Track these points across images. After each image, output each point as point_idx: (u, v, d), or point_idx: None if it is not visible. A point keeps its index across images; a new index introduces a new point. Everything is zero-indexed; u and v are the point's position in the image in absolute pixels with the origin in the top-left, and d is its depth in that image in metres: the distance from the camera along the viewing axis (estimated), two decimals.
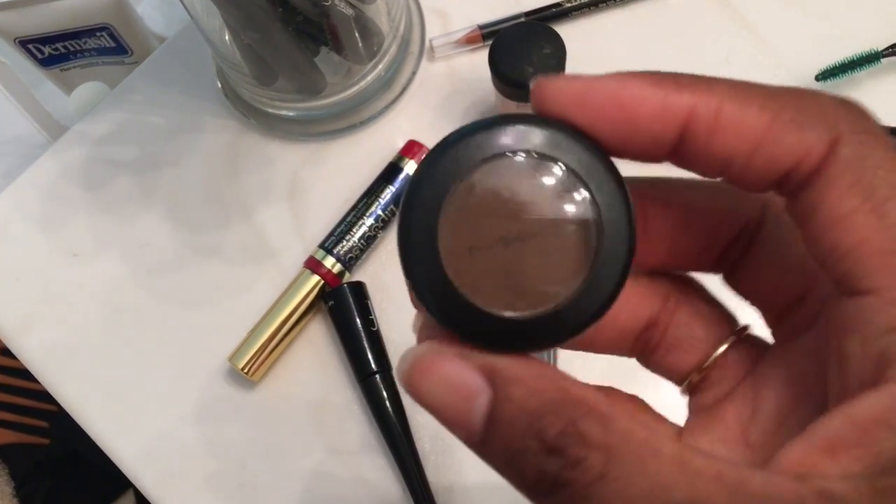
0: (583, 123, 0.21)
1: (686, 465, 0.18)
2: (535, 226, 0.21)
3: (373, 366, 0.48)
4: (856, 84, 0.52)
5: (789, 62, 0.53)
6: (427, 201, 0.21)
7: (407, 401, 0.48)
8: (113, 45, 0.64)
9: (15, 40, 0.61)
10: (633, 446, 0.18)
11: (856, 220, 0.19)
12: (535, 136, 0.21)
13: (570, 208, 0.21)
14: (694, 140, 0.21)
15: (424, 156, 0.22)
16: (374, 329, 0.49)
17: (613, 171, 0.21)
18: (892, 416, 0.18)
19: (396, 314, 0.50)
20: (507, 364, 0.20)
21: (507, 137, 0.21)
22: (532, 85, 0.22)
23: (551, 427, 0.19)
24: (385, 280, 0.51)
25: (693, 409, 0.25)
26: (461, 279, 0.21)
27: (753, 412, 0.23)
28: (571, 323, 0.21)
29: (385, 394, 0.48)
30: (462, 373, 0.20)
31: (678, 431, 0.19)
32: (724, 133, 0.20)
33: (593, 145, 0.21)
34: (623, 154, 0.21)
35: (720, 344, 0.25)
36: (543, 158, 0.21)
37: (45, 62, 0.65)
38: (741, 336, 0.25)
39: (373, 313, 0.49)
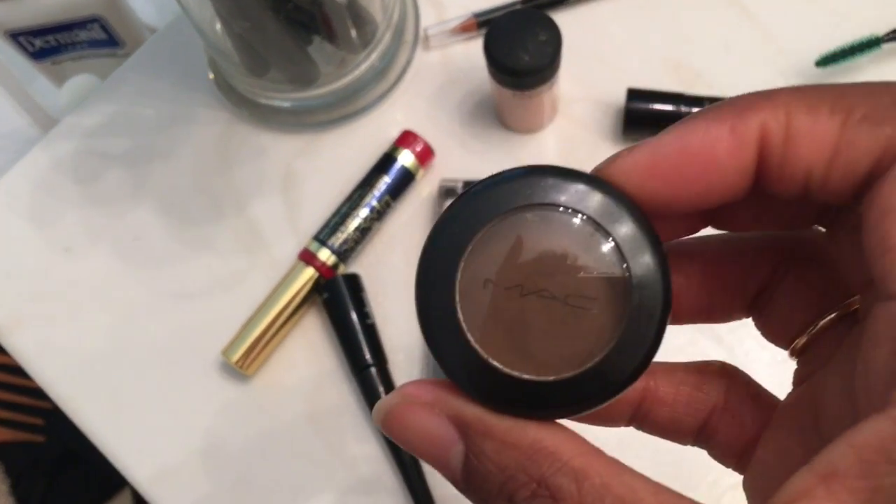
0: (662, 193, 0.20)
1: None
2: (564, 287, 0.20)
3: (368, 358, 0.47)
4: (857, 70, 0.51)
5: (789, 48, 0.52)
6: (454, 239, 0.20)
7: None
8: (104, 37, 0.63)
9: (5, 33, 0.60)
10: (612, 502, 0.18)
11: None
12: (581, 196, 0.20)
13: (606, 272, 0.20)
14: (770, 161, 0.20)
15: (466, 190, 0.20)
16: (370, 321, 0.48)
17: (659, 248, 0.20)
18: (892, 448, 0.17)
19: (392, 306, 0.49)
20: (480, 415, 0.19)
21: (553, 190, 0.20)
22: (597, 167, 0.21)
23: (522, 488, 0.18)
24: (380, 272, 0.50)
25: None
26: (471, 322, 0.20)
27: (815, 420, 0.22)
28: (582, 394, 0.20)
29: (381, 386, 0.47)
30: (434, 425, 0.20)
31: (657, 490, 0.18)
32: (798, 146, 0.19)
33: (642, 216, 0.20)
34: (707, 202, 0.20)
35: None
36: (586, 221, 0.20)
37: (37, 55, 0.64)
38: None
39: (368, 305, 0.49)
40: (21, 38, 0.62)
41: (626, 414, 0.25)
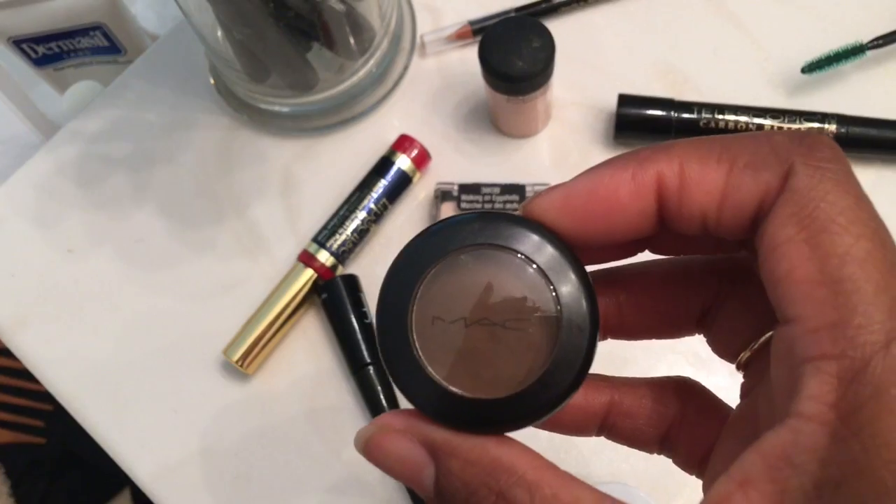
0: (576, 228, 0.23)
1: None
2: (502, 314, 0.23)
3: (366, 357, 0.48)
4: (842, 76, 0.53)
5: (776, 55, 0.54)
6: (402, 286, 0.23)
7: (400, 393, 0.48)
8: (106, 44, 0.64)
9: (8, 40, 0.61)
10: None
11: (789, 248, 0.20)
12: (509, 233, 0.23)
13: (537, 302, 0.23)
14: (668, 204, 0.22)
15: (411, 240, 0.24)
16: (368, 321, 0.49)
17: (581, 272, 0.23)
18: (793, 453, 0.19)
19: None
20: (446, 438, 0.22)
21: (482, 232, 0.23)
22: (522, 204, 0.24)
23: (484, 500, 0.21)
24: (378, 273, 0.51)
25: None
26: (428, 356, 0.23)
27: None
28: (529, 407, 0.23)
29: (379, 385, 0.48)
30: (408, 449, 0.22)
31: (601, 498, 0.21)
32: (691, 191, 0.22)
33: (564, 246, 0.23)
34: (618, 237, 0.23)
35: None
36: (514, 254, 0.23)
37: (39, 62, 0.65)
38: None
39: (366, 305, 0.50)
40: (24, 45, 0.63)
41: (595, 425, 0.27)
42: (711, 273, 0.26)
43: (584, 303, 0.23)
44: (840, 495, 0.18)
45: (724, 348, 0.26)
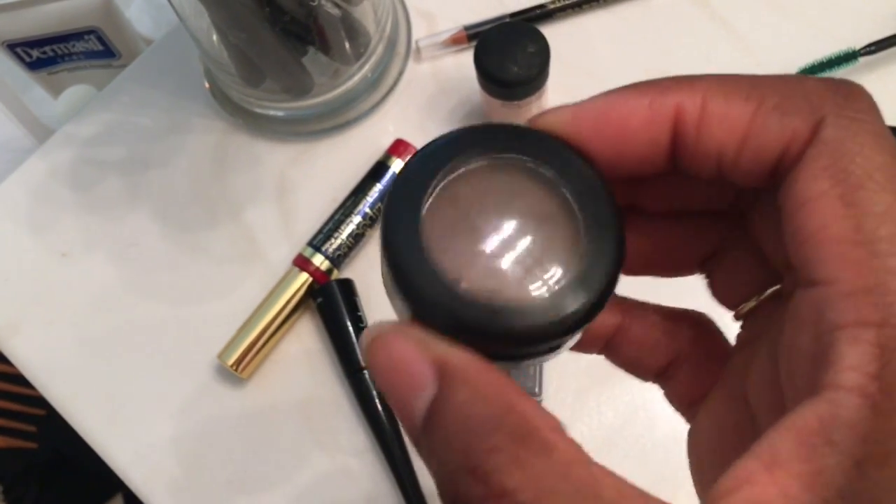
0: (582, 146, 0.21)
1: None
2: (525, 212, 0.21)
3: (362, 362, 0.48)
4: None
5: (768, 61, 0.54)
6: (415, 185, 0.20)
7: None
8: (101, 48, 0.64)
9: (3, 44, 0.61)
10: (572, 485, 0.17)
11: (821, 204, 0.18)
12: (526, 143, 0.21)
13: (560, 209, 0.21)
14: (684, 139, 0.21)
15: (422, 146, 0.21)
16: (363, 325, 0.49)
17: (601, 177, 0.21)
18: (831, 428, 0.17)
19: (385, 310, 0.50)
20: (462, 360, 0.18)
21: (493, 141, 0.21)
22: (528, 121, 0.22)
23: (485, 443, 0.17)
24: (373, 277, 0.51)
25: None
26: (442, 260, 0.20)
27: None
28: (552, 324, 0.20)
29: (374, 390, 0.48)
30: (413, 361, 0.19)
31: (620, 485, 0.18)
32: (710, 127, 0.20)
33: (582, 157, 0.21)
34: (624, 168, 0.22)
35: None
36: (532, 162, 0.21)
37: (33, 66, 0.65)
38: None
39: (361, 310, 0.50)
40: (18, 49, 0.63)
41: (599, 344, 0.26)
42: (717, 216, 0.25)
43: (608, 208, 0.21)
44: (885, 473, 0.17)
45: (724, 295, 0.25)
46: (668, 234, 0.25)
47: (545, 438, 0.17)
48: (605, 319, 0.25)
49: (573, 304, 0.20)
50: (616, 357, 0.26)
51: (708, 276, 0.25)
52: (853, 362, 0.17)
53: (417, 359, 0.18)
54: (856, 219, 0.18)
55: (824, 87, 0.20)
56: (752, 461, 0.17)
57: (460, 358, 0.18)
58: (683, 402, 0.25)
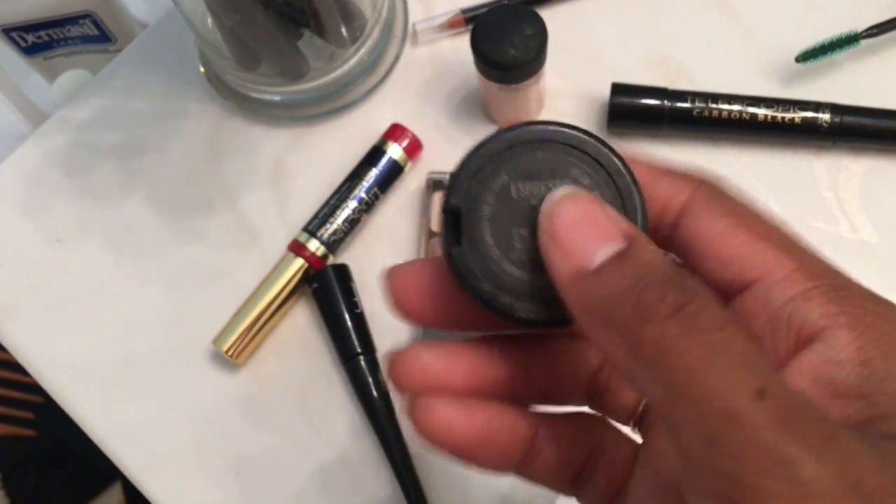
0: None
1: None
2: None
3: (357, 348, 0.48)
4: (835, 66, 0.52)
5: (769, 44, 0.53)
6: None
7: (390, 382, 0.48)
8: (96, 32, 0.63)
9: None
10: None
11: (731, 233, 0.23)
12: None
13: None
14: None
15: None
16: (358, 311, 0.49)
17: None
18: (835, 355, 0.21)
19: (380, 296, 0.50)
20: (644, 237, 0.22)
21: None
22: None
23: (674, 282, 0.20)
24: (369, 262, 0.51)
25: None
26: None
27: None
28: None
29: (369, 376, 0.48)
30: (608, 222, 0.22)
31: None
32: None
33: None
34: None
35: None
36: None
37: (29, 50, 0.65)
38: None
39: (357, 295, 0.49)
40: (13, 34, 0.63)
41: (518, 453, 0.26)
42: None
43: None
44: (890, 361, 0.21)
45: (616, 413, 0.27)
46: (549, 361, 0.27)
47: (716, 300, 0.20)
48: (524, 419, 0.26)
49: None
50: (534, 467, 0.26)
51: (596, 404, 0.27)
52: (823, 311, 0.21)
53: (611, 222, 0.22)
54: (760, 235, 0.23)
55: (693, 171, 0.25)
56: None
57: (644, 236, 0.22)
58: (607, 498, 0.26)
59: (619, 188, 0.24)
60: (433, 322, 0.25)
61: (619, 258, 0.21)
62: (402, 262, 0.26)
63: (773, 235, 0.23)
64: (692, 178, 0.24)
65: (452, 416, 0.24)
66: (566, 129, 0.24)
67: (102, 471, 0.82)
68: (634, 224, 0.23)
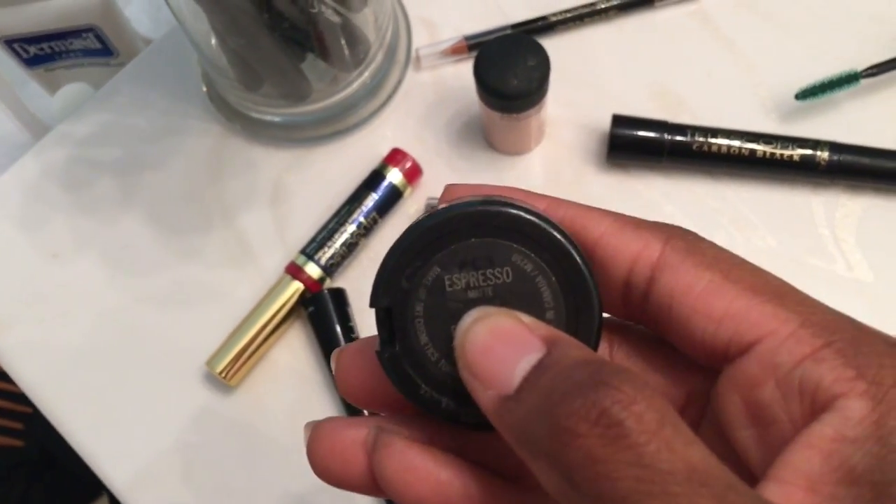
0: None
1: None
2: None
3: None
4: (835, 104, 0.53)
5: (770, 80, 0.54)
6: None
7: None
8: (99, 46, 0.63)
9: (0, 40, 0.61)
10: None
11: (719, 288, 0.21)
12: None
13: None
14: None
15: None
16: (354, 336, 0.49)
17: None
18: (846, 430, 0.18)
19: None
20: (568, 337, 0.20)
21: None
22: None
23: (607, 380, 0.17)
24: (366, 287, 0.51)
25: None
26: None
27: None
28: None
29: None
30: (523, 331, 0.20)
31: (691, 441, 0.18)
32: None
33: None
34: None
35: None
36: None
37: (30, 62, 0.65)
38: None
39: (353, 320, 0.49)
40: (15, 45, 0.63)
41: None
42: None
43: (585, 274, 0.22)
44: None
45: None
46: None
47: (634, 376, 0.18)
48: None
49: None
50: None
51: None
52: (836, 376, 0.19)
53: (527, 330, 0.20)
54: (752, 289, 0.21)
55: (664, 224, 0.23)
56: (788, 488, 0.19)
57: (566, 336, 0.20)
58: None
59: (565, 268, 0.22)
60: (378, 407, 0.24)
61: (536, 371, 0.19)
62: (346, 344, 0.24)
63: (768, 287, 0.21)
64: (661, 229, 0.22)
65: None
66: (502, 209, 0.22)
67: (90, 482, 0.81)
68: (589, 305, 0.21)
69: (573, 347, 0.20)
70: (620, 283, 0.23)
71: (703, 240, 0.22)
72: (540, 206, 0.23)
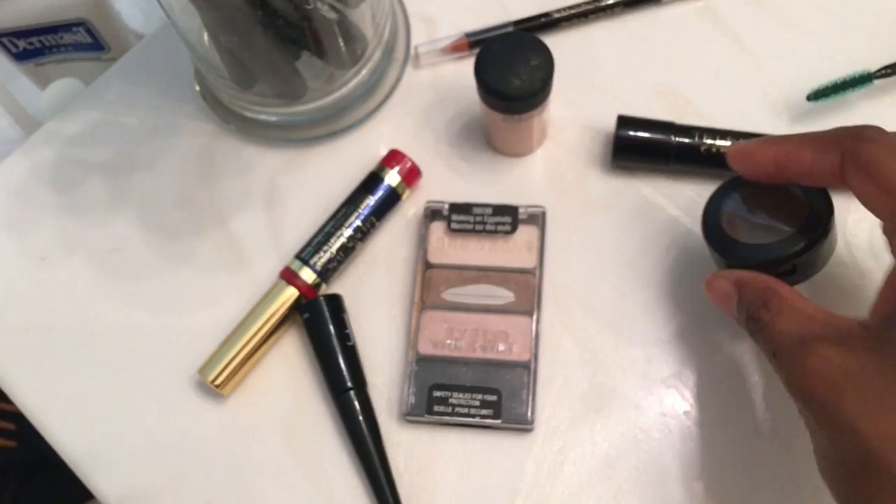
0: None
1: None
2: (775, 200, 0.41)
3: (348, 382, 0.47)
4: (848, 105, 0.51)
5: (780, 80, 0.52)
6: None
7: (381, 418, 0.47)
8: (90, 40, 0.62)
9: None
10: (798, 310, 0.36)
11: None
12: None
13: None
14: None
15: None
16: (350, 343, 0.47)
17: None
18: None
19: (373, 328, 0.49)
20: (742, 275, 0.40)
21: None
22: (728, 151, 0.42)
23: (757, 304, 0.37)
24: (362, 293, 0.50)
25: None
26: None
27: None
28: (784, 251, 0.39)
29: (360, 411, 0.46)
30: (723, 286, 0.40)
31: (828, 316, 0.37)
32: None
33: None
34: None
35: None
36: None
37: (20, 56, 0.63)
38: None
39: (349, 327, 0.48)
40: (4, 39, 0.61)
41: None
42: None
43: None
44: None
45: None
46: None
47: (783, 294, 0.37)
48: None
49: (795, 245, 0.39)
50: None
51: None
52: None
53: (726, 286, 0.40)
54: None
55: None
56: None
57: (739, 274, 0.40)
58: None
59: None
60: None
61: (740, 306, 0.40)
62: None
63: None
64: (837, 142, 0.36)
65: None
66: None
67: (82, 485, 0.80)
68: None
69: (746, 287, 0.39)
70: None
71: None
72: (769, 154, 0.40)
